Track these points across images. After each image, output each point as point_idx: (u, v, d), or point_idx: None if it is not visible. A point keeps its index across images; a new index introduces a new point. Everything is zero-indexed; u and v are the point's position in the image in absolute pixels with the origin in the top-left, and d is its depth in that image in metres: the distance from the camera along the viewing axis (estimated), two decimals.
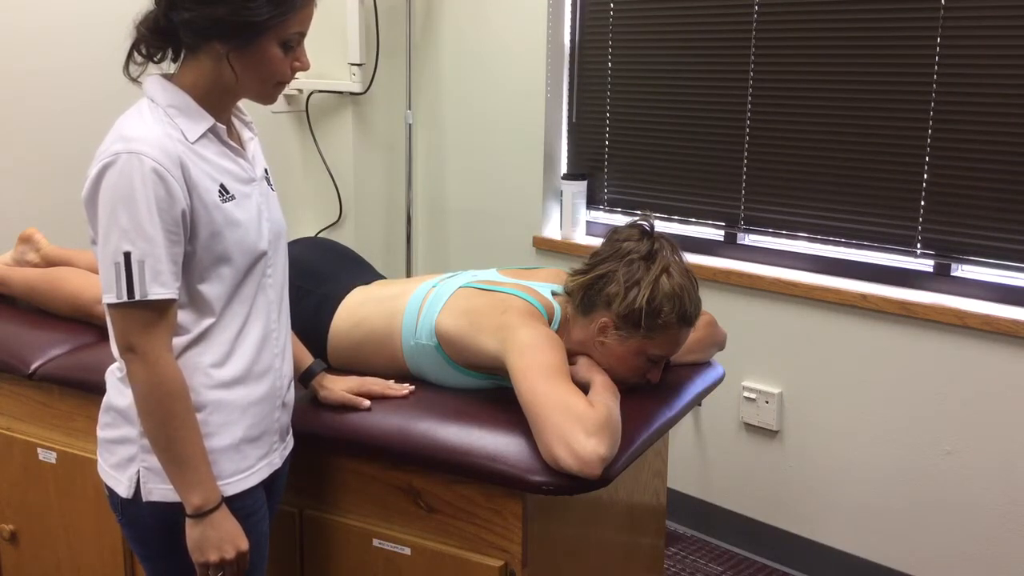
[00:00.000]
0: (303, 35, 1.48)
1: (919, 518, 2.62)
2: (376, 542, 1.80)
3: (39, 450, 2.15)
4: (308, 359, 1.83)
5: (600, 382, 1.74)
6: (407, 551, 1.77)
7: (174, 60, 1.51)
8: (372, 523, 1.81)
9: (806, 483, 2.83)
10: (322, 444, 1.81)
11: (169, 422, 1.43)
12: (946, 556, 2.59)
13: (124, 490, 1.52)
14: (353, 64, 3.45)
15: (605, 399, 1.67)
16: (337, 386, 1.82)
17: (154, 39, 1.48)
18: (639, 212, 3.11)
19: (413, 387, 1.85)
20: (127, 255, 1.39)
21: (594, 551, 1.92)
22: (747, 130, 2.85)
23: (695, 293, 1.81)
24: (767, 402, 2.86)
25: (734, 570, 2.90)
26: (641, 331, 1.78)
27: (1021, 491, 2.46)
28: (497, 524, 1.70)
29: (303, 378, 1.82)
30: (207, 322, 1.49)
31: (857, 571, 2.75)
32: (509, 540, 1.69)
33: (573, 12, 3.17)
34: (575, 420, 1.57)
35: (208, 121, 1.48)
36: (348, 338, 1.94)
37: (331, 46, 3.46)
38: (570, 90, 3.23)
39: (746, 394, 2.89)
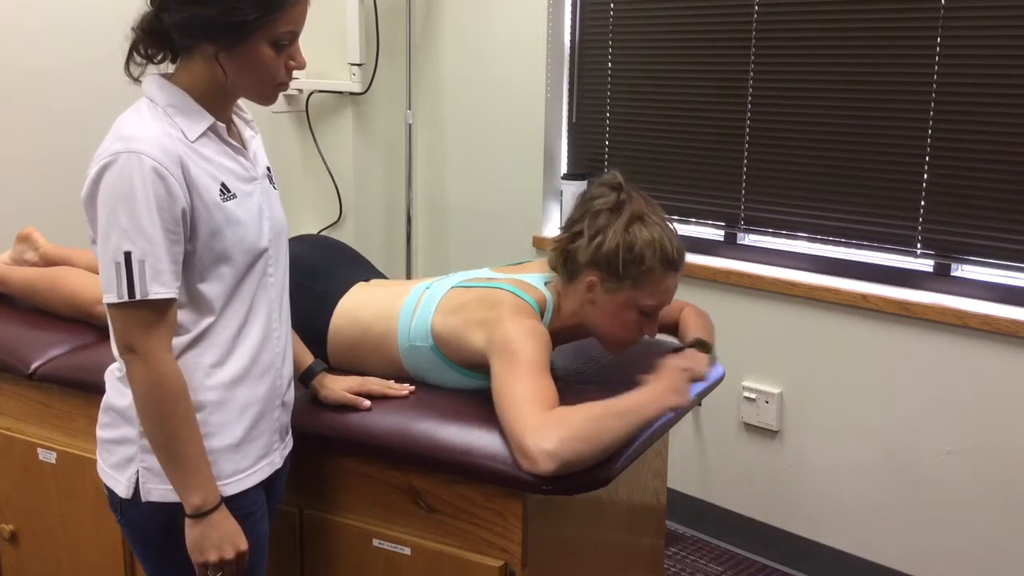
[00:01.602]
0: (296, 34, 1.47)
1: (919, 518, 2.62)
2: (376, 542, 1.80)
3: (39, 450, 2.15)
4: (308, 358, 1.83)
5: (639, 392, 1.70)
6: (407, 551, 1.77)
7: (172, 61, 1.51)
8: (372, 523, 1.81)
9: (806, 483, 2.83)
10: (322, 444, 1.81)
11: (169, 422, 1.43)
12: (946, 556, 2.59)
13: (123, 490, 1.52)
14: (353, 64, 3.46)
15: (606, 403, 1.64)
16: (337, 386, 1.82)
17: (150, 40, 1.48)
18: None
19: (413, 387, 1.86)
20: (127, 255, 1.39)
21: (594, 551, 1.92)
22: (747, 130, 2.84)
23: (676, 237, 1.82)
24: (767, 402, 2.86)
25: (734, 570, 2.90)
26: (628, 282, 1.77)
27: (1021, 491, 2.46)
28: (497, 524, 1.70)
29: (303, 378, 1.82)
30: (207, 321, 1.49)
31: (857, 571, 2.75)
32: (509, 540, 1.69)
33: (573, 12, 3.17)
34: (523, 419, 1.59)
35: (208, 120, 1.48)
36: (347, 337, 1.94)
37: (331, 46, 3.46)
38: (570, 90, 3.23)
39: (746, 394, 2.89)
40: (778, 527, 2.90)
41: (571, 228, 1.85)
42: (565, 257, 1.84)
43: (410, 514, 1.78)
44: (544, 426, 1.57)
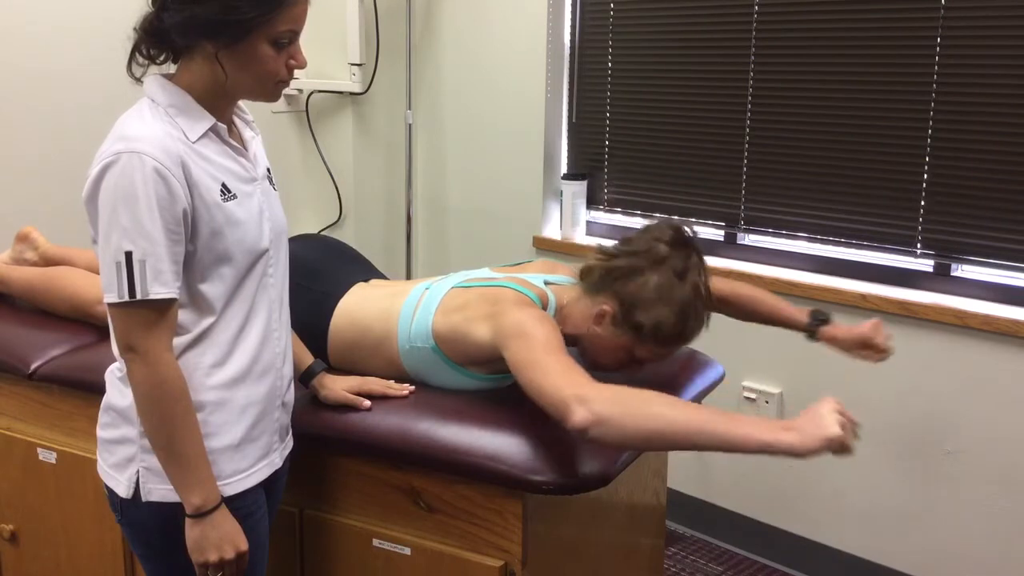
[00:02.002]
0: (296, 33, 1.47)
1: (919, 518, 2.63)
2: (376, 542, 1.80)
3: (39, 450, 2.15)
4: (308, 359, 1.83)
5: (753, 417, 1.50)
6: (407, 551, 1.77)
7: (174, 62, 1.51)
8: (372, 523, 1.81)
9: (806, 483, 2.83)
10: (322, 444, 1.81)
11: (169, 422, 1.43)
12: (946, 556, 2.59)
13: (123, 490, 1.52)
14: (353, 64, 3.46)
15: (678, 399, 1.49)
16: (337, 385, 1.81)
17: (151, 40, 1.48)
18: (638, 212, 3.12)
19: (413, 387, 1.85)
20: (128, 254, 1.39)
21: (594, 551, 1.92)
22: (747, 130, 2.85)
23: (702, 315, 1.79)
24: (767, 402, 2.86)
25: (734, 570, 2.90)
26: (639, 335, 1.77)
27: (1021, 491, 2.46)
28: (497, 524, 1.70)
29: (303, 378, 1.82)
30: (207, 321, 1.49)
31: (857, 571, 2.75)
32: (509, 540, 1.69)
33: (573, 12, 3.17)
34: (561, 378, 1.52)
35: (209, 120, 1.48)
36: (346, 338, 1.94)
37: (331, 46, 3.46)
38: (570, 90, 3.23)
39: (746, 394, 2.89)
40: (778, 527, 2.90)
41: (626, 256, 1.80)
42: (605, 274, 1.81)
43: (410, 514, 1.78)
44: (587, 383, 1.50)
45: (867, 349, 2.04)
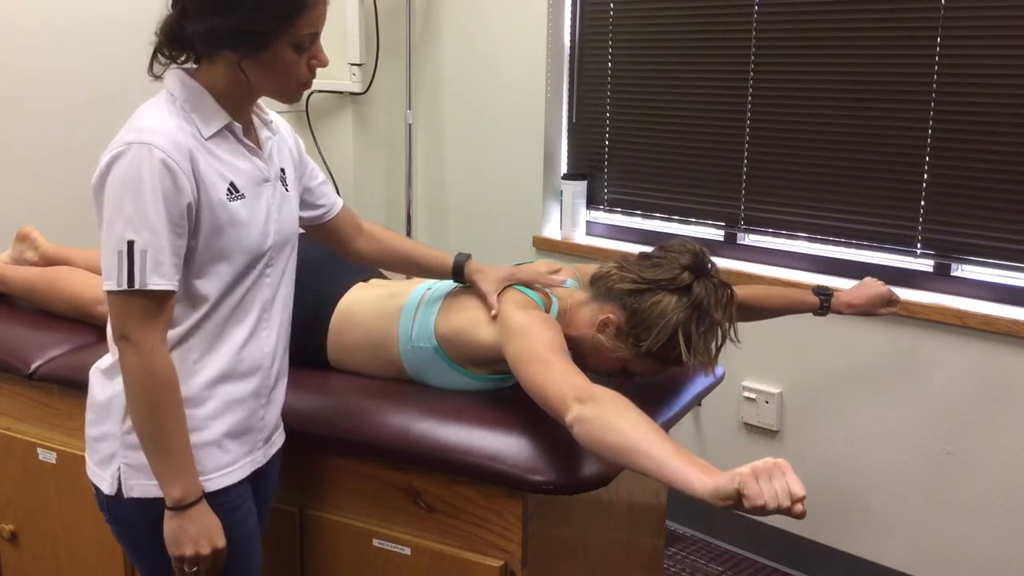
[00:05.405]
0: (316, 35, 1.48)
1: (919, 518, 2.63)
2: (376, 542, 1.80)
3: (39, 450, 2.15)
4: (447, 258, 1.87)
5: (695, 463, 1.45)
6: (407, 551, 1.77)
7: (195, 62, 1.52)
8: (372, 523, 1.81)
9: (806, 483, 2.80)
10: (322, 444, 1.81)
11: (157, 412, 1.43)
12: (946, 556, 2.59)
13: (107, 487, 1.53)
14: (353, 64, 3.46)
15: (653, 431, 1.44)
16: (490, 276, 1.84)
17: (173, 46, 1.49)
18: (638, 212, 3.12)
19: (566, 278, 1.91)
20: (130, 244, 1.39)
21: (594, 551, 1.92)
22: (747, 130, 2.84)
23: (711, 349, 1.79)
24: (767, 402, 2.86)
25: (734, 570, 2.90)
26: (639, 348, 1.77)
27: (1022, 491, 2.46)
28: (497, 524, 1.70)
29: (455, 276, 1.86)
30: (196, 316, 1.49)
31: (857, 571, 2.75)
32: (509, 540, 1.69)
33: (573, 12, 3.17)
34: (575, 383, 1.53)
35: (224, 119, 1.48)
36: (345, 340, 1.94)
37: (331, 46, 3.44)
38: (570, 90, 3.22)
39: (746, 394, 2.89)
40: (778, 527, 2.90)
41: (649, 281, 1.77)
42: (616, 286, 1.80)
43: (410, 514, 1.78)
44: (588, 385, 1.51)
45: (889, 305, 2.21)
